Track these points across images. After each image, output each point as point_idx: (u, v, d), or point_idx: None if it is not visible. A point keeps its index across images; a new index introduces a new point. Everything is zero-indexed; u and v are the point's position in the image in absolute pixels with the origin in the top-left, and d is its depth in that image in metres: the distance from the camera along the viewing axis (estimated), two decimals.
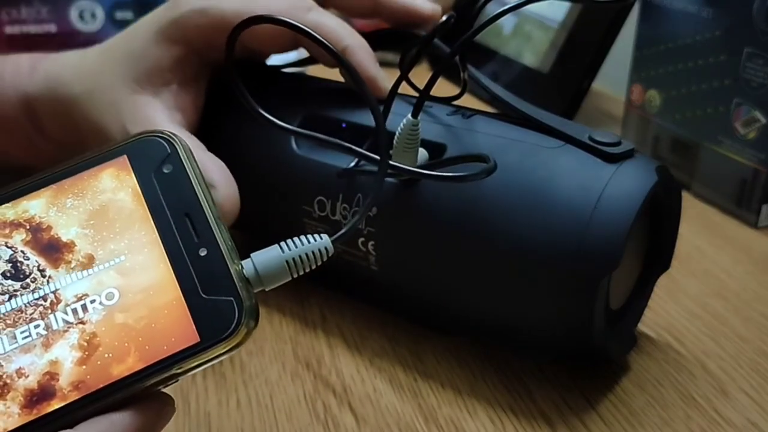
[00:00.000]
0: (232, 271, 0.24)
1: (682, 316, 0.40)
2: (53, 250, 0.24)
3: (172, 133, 0.26)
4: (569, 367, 0.36)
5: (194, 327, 0.23)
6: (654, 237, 0.36)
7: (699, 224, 0.50)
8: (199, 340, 0.23)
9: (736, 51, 0.48)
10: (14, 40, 0.92)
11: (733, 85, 0.49)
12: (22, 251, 0.24)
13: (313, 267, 0.26)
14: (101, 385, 0.22)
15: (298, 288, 0.42)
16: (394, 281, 0.36)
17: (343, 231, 0.27)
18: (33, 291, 0.24)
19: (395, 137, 0.33)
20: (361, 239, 0.35)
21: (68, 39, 0.93)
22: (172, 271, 0.24)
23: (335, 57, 0.30)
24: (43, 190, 0.25)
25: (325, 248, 0.26)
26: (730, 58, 0.49)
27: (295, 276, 0.26)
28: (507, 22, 0.76)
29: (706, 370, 0.36)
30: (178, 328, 0.23)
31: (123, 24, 0.94)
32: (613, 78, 0.83)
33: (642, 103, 0.58)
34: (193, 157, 0.26)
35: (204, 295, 0.23)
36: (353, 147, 0.32)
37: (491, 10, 0.85)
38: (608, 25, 0.62)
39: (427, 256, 0.34)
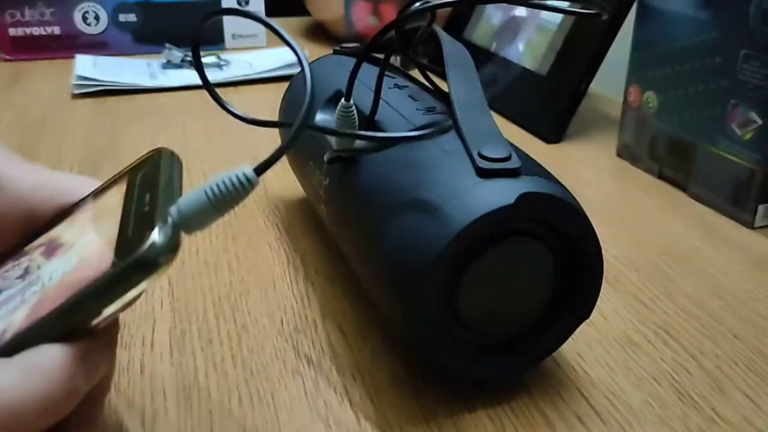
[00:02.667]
0: (156, 211, 0.25)
1: (679, 315, 0.40)
2: (53, 250, 0.27)
3: (164, 149, 0.29)
4: (567, 365, 0.36)
5: (112, 260, 0.24)
6: (573, 280, 0.34)
7: (696, 224, 0.51)
8: (110, 268, 0.24)
9: (733, 53, 0.49)
10: (18, 42, 0.93)
11: (730, 86, 0.49)
12: (35, 259, 0.27)
13: (238, 199, 0.25)
14: (28, 324, 0.24)
15: (300, 286, 0.43)
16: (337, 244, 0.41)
17: (262, 162, 0.25)
18: (30, 283, 0.26)
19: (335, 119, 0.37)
20: (321, 204, 0.41)
21: (72, 41, 0.94)
22: (118, 227, 0.26)
23: (288, 45, 0.30)
24: (69, 217, 0.29)
25: (245, 175, 0.25)
26: (727, 59, 0.49)
27: (221, 208, 0.25)
28: None
29: (702, 368, 0.36)
30: (102, 267, 0.24)
31: (126, 26, 0.95)
32: (611, 80, 0.84)
33: (639, 105, 0.58)
34: (170, 162, 0.29)
35: (129, 235, 0.25)
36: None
37: (489, 10, 0.85)
38: (606, 27, 0.63)
39: (345, 222, 0.38)
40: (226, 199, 0.25)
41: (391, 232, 0.32)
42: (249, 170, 0.25)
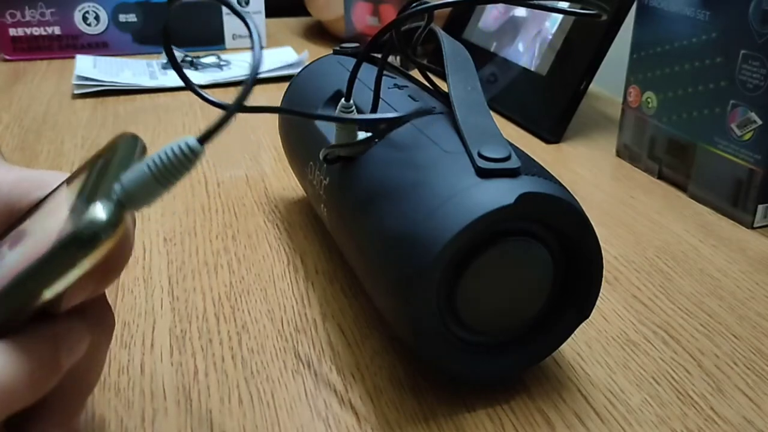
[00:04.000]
0: (98, 190, 0.25)
1: (678, 315, 0.40)
2: (18, 239, 0.27)
3: (125, 133, 0.29)
4: (566, 365, 0.36)
5: (54, 241, 0.24)
6: (572, 279, 0.34)
7: (695, 224, 0.51)
8: (50, 248, 0.24)
9: (732, 53, 0.49)
10: (18, 42, 0.93)
11: (729, 86, 0.49)
12: (2, 252, 0.27)
13: (183, 170, 0.24)
14: None
15: (300, 286, 0.43)
16: (337, 244, 0.41)
17: (207, 129, 0.25)
18: None
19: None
20: (321, 204, 0.41)
21: (72, 41, 0.94)
22: (67, 211, 0.25)
23: (242, 19, 0.29)
24: (39, 208, 0.29)
25: (187, 145, 0.24)
26: (726, 60, 0.49)
27: (165, 180, 0.24)
28: None
29: (702, 368, 0.36)
30: (44, 248, 0.24)
31: (126, 26, 0.95)
32: (611, 80, 0.84)
33: (639, 105, 0.58)
34: (130, 144, 0.28)
35: (74, 215, 0.24)
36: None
37: (489, 10, 0.85)
38: (605, 27, 0.63)
39: (345, 222, 0.38)
40: (169, 170, 0.24)
41: (390, 232, 0.32)
42: (192, 139, 0.24)
